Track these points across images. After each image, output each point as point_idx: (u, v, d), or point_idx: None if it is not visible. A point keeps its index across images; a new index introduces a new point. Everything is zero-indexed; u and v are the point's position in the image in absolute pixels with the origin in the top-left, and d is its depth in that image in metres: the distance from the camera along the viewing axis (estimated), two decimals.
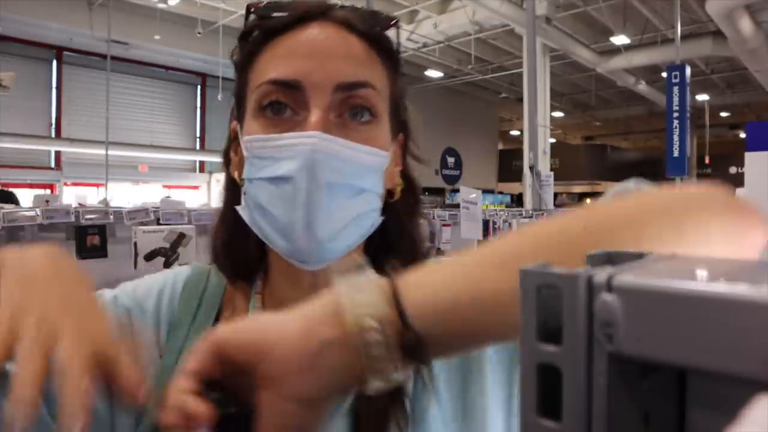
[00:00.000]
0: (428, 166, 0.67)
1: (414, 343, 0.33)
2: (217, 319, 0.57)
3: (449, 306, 0.34)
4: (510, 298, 0.27)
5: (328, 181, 0.49)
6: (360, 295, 0.35)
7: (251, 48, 0.54)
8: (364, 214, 0.53)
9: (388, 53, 0.56)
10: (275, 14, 0.54)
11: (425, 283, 0.36)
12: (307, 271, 0.53)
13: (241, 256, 0.58)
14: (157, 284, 0.58)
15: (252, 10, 0.55)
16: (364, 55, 0.53)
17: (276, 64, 0.51)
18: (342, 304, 0.34)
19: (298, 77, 0.50)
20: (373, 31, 0.55)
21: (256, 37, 0.54)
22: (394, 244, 0.58)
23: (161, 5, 9.71)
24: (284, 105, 0.51)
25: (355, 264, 0.37)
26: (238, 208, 0.54)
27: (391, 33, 0.57)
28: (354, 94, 0.51)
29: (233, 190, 0.57)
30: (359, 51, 0.53)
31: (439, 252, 2.85)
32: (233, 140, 0.58)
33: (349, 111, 0.52)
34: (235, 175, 0.56)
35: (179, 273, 0.61)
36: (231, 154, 0.59)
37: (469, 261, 0.37)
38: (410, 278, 0.36)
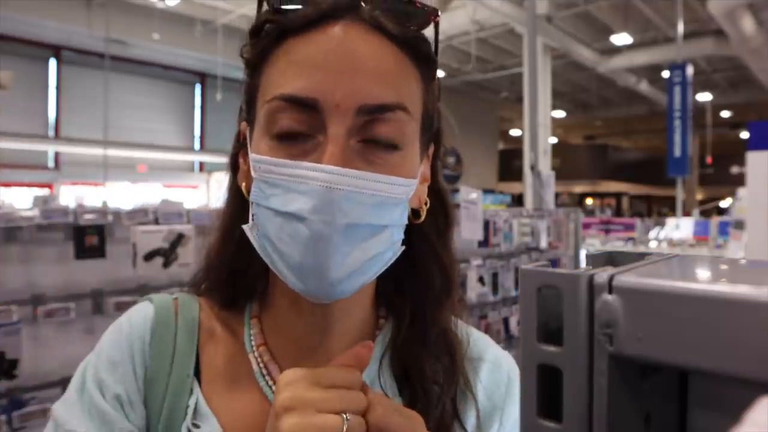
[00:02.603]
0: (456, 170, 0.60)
1: None
2: (197, 358, 0.52)
3: None
4: None
5: (346, 222, 0.42)
6: None
7: (264, 45, 0.46)
8: (384, 252, 0.46)
9: (425, 59, 0.48)
10: (292, 5, 0.45)
11: None
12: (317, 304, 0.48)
13: (243, 281, 0.53)
14: (123, 340, 0.51)
15: (266, 1, 0.47)
16: (397, 67, 0.45)
17: (291, 74, 0.44)
18: None
19: (316, 95, 0.43)
20: (408, 34, 0.46)
21: (271, 32, 0.46)
22: (420, 269, 0.52)
23: (160, 4, 9.71)
24: (300, 126, 0.44)
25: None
26: (245, 227, 0.47)
27: (429, 29, 0.49)
28: (381, 118, 0.44)
29: (240, 202, 0.51)
30: (391, 62, 0.45)
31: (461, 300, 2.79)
32: (242, 145, 0.51)
33: (374, 137, 0.44)
34: (243, 186, 0.50)
35: (143, 321, 0.53)
36: (239, 160, 0.52)
37: None
38: None
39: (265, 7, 0.47)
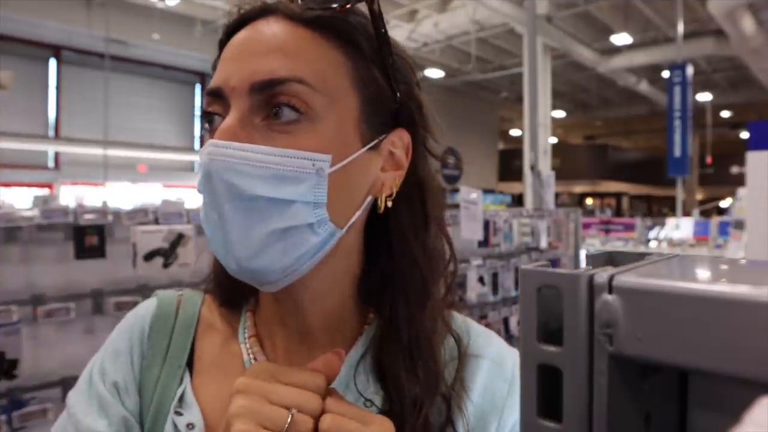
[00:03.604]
0: (447, 165, 0.58)
1: None
2: (192, 349, 0.54)
3: None
4: None
5: (231, 192, 0.43)
6: None
7: (217, 58, 0.51)
8: (298, 228, 0.45)
9: (348, 38, 0.47)
10: (231, 22, 0.50)
11: None
12: (292, 298, 0.50)
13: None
14: (126, 331, 0.56)
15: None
16: (298, 46, 0.46)
17: (216, 72, 0.49)
18: None
19: (220, 84, 0.46)
20: (321, 16, 0.47)
21: (220, 46, 0.51)
22: (397, 266, 0.51)
23: (160, 4, 9.71)
24: (211, 114, 0.48)
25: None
26: None
27: (364, 16, 0.48)
28: (276, 91, 0.45)
29: None
30: (291, 42, 0.46)
31: (461, 301, 2.79)
32: None
33: (270, 112, 0.45)
34: None
35: (145, 313, 0.57)
36: None
37: None
38: None
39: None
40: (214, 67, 0.51)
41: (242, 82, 0.45)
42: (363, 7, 0.48)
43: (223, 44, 0.50)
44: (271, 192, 0.44)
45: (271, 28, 0.47)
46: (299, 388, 0.43)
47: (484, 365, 0.55)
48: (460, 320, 0.58)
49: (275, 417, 0.41)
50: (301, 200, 0.45)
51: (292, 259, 0.45)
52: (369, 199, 0.49)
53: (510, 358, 0.56)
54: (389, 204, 0.50)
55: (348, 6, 0.47)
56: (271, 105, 0.45)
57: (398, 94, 0.50)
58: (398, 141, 0.51)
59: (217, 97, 0.47)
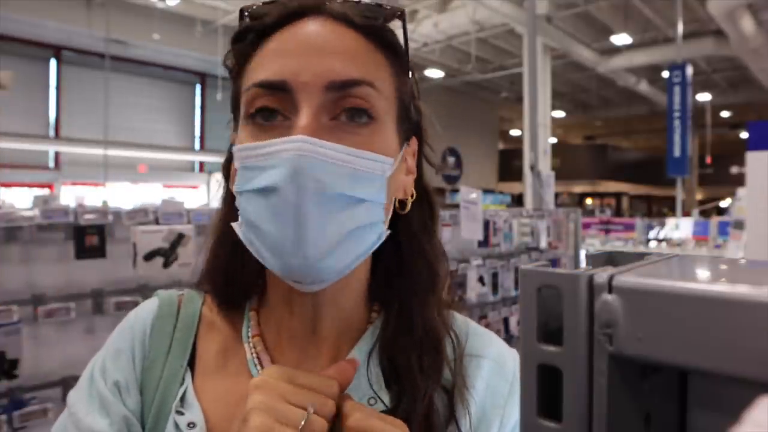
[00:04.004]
0: (439, 169, 0.63)
1: None
2: (194, 349, 0.55)
3: None
4: None
5: (318, 190, 0.43)
6: None
7: (243, 50, 0.50)
8: (364, 228, 0.47)
9: (392, 49, 0.50)
10: (262, 13, 0.49)
11: None
12: (310, 295, 0.50)
13: (240, 279, 0.55)
14: (127, 330, 0.56)
15: (246, 12, 0.51)
16: (363, 51, 0.48)
17: (264, 64, 0.47)
18: None
19: (285, 77, 0.45)
20: (374, 24, 0.49)
21: (248, 38, 0.50)
22: (407, 263, 0.53)
23: (160, 4, 9.71)
24: (273, 110, 0.46)
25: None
26: (234, 225, 0.49)
27: (398, 30, 0.51)
28: (349, 93, 0.46)
29: (232, 207, 0.52)
30: (357, 46, 0.48)
31: (461, 301, 2.82)
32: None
33: (344, 112, 0.46)
34: (234, 189, 0.52)
35: (146, 313, 0.57)
36: (232, 167, 0.53)
37: None
38: None
39: (246, 19, 0.51)
40: (243, 57, 0.49)
41: (317, 78, 0.45)
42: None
43: (258, 34, 0.49)
44: (349, 190, 0.45)
45: (331, 29, 0.48)
46: (315, 392, 0.43)
47: (486, 365, 0.55)
48: (461, 320, 0.58)
49: (292, 415, 0.41)
50: (374, 201, 0.47)
51: (351, 258, 0.47)
52: (394, 200, 0.52)
53: (511, 358, 0.57)
54: (408, 206, 0.53)
55: (391, 19, 0.50)
56: (341, 105, 0.46)
57: (416, 104, 0.53)
58: (411, 148, 0.55)
59: (277, 90, 0.46)
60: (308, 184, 0.43)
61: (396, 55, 0.51)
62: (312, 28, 0.48)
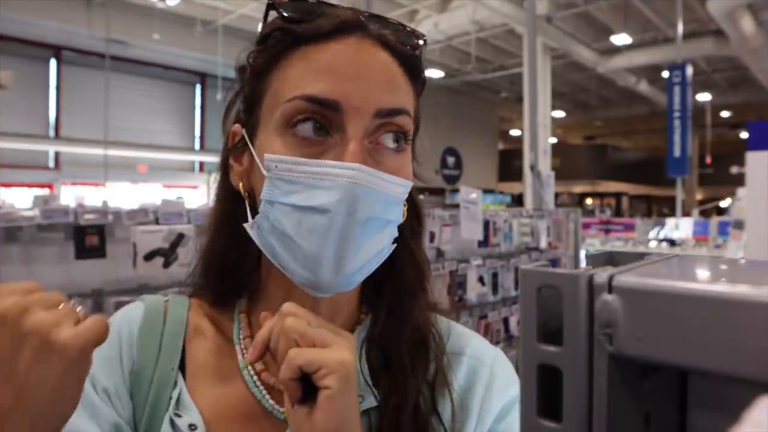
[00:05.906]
0: (427, 168, 0.64)
1: None
2: (183, 353, 0.55)
3: None
4: None
5: (364, 216, 0.47)
6: None
7: (275, 51, 0.50)
8: (387, 246, 0.51)
9: (417, 76, 0.53)
10: (300, 16, 0.49)
11: None
12: (312, 296, 0.51)
13: (235, 278, 0.56)
14: (113, 336, 0.53)
15: (277, 6, 0.49)
16: (402, 80, 0.51)
17: (311, 77, 0.47)
18: None
19: (338, 98, 0.47)
20: (407, 52, 0.52)
21: (282, 40, 0.49)
22: (397, 265, 0.55)
23: (160, 4, 9.70)
24: (319, 126, 0.47)
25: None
26: (246, 225, 0.50)
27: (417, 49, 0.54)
28: (391, 120, 0.49)
29: (232, 202, 0.54)
30: (397, 73, 0.51)
31: (461, 302, 2.83)
32: (236, 147, 0.54)
33: (384, 137, 0.49)
34: (239, 186, 0.52)
35: (131, 318, 0.56)
36: (231, 161, 0.54)
37: None
38: None
39: (274, 16, 0.50)
40: (273, 57, 0.50)
41: (368, 104, 0.47)
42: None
43: (296, 38, 0.49)
44: (385, 215, 0.49)
45: (375, 53, 0.50)
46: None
47: (465, 361, 0.57)
48: (445, 322, 0.61)
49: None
50: (396, 221, 0.51)
51: (371, 270, 0.51)
52: None
53: (489, 355, 0.59)
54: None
55: (418, 47, 0.53)
56: (384, 131, 0.49)
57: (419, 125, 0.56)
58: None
59: (327, 108, 0.47)
60: (358, 212, 0.46)
61: (418, 81, 0.54)
62: (358, 49, 0.49)
